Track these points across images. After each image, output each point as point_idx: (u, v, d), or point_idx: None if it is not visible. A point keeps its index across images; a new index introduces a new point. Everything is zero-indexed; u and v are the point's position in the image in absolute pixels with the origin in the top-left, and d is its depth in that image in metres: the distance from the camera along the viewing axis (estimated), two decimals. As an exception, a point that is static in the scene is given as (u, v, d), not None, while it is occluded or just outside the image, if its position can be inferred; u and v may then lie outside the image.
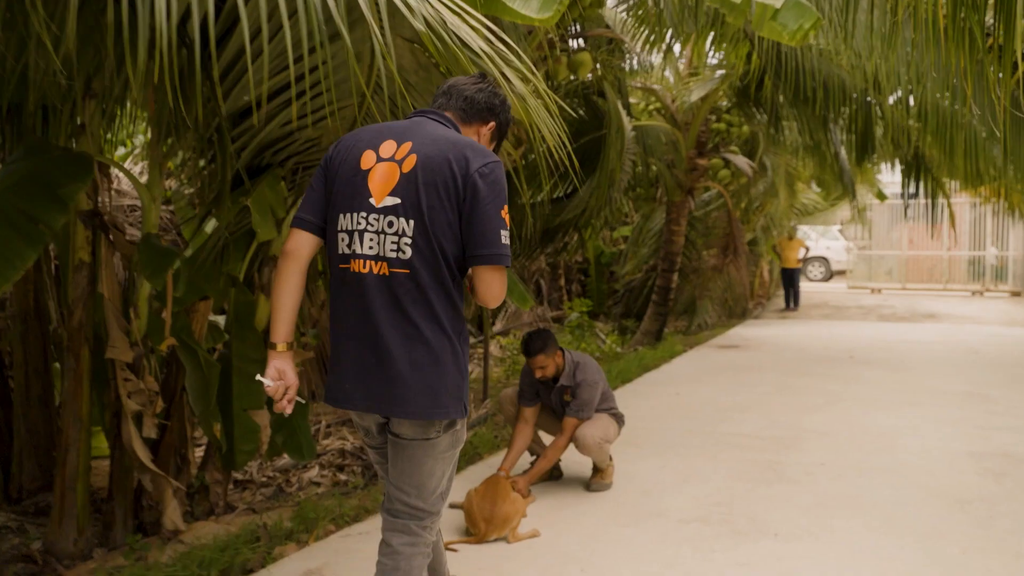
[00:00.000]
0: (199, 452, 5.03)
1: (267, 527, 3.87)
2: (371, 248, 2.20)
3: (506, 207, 2.20)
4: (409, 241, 2.17)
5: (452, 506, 3.89)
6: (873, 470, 4.91)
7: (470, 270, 2.22)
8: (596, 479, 4.57)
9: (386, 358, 2.19)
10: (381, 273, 2.19)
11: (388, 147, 2.25)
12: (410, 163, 2.20)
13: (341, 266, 2.26)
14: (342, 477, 5.52)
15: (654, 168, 11.03)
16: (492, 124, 2.44)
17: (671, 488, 4.56)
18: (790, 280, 16.92)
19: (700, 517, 4.05)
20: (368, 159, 2.25)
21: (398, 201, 2.19)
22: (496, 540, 3.72)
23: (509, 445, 4.52)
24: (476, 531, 3.74)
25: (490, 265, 2.17)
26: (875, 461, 5.11)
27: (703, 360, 10.01)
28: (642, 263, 13.60)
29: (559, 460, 4.82)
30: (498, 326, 13.45)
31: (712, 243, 13.25)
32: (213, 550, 3.51)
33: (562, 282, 16.23)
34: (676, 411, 6.82)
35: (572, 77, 7.09)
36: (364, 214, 2.21)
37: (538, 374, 4.35)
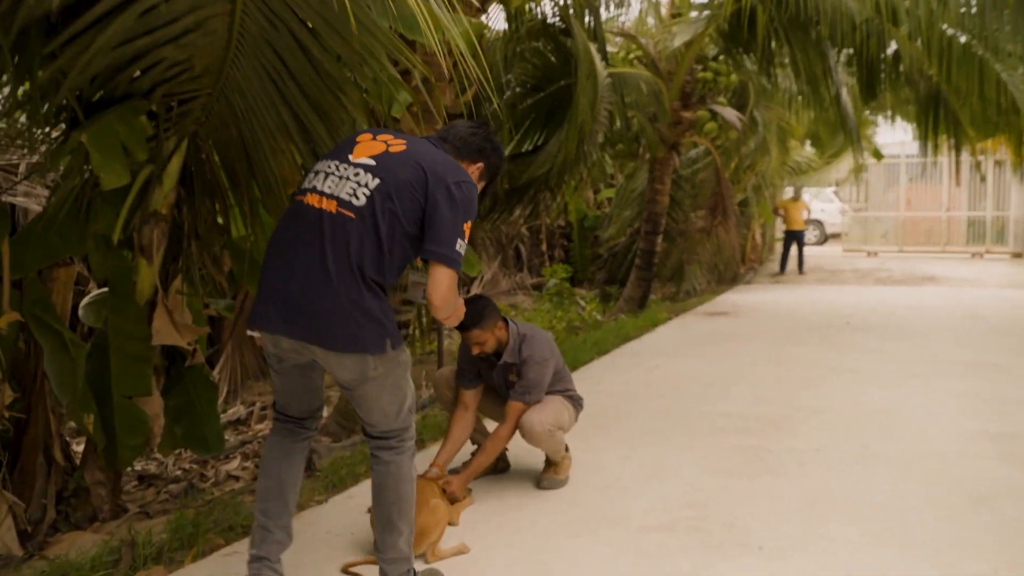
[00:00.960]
0: (83, 447, 4.26)
1: (134, 544, 3.13)
2: (329, 188, 2.48)
3: (469, 224, 2.44)
4: (367, 192, 2.43)
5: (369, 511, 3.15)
6: (875, 459, 4.20)
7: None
8: (548, 474, 3.84)
9: (307, 291, 2.38)
10: (327, 210, 2.43)
11: (385, 135, 2.61)
12: (398, 148, 2.54)
13: (298, 198, 2.55)
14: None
15: (635, 122, 10.19)
16: (480, 164, 2.72)
17: (636, 485, 3.84)
18: (794, 243, 16.10)
19: (666, 524, 3.33)
20: (364, 136, 2.62)
21: (373, 163, 2.50)
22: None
23: (445, 435, 3.79)
24: (385, 549, 3.01)
25: (438, 263, 2.38)
26: (877, 447, 4.39)
27: (688, 329, 9.28)
28: (626, 226, 12.80)
29: (505, 451, 4.09)
30: (474, 291, 12.70)
31: (700, 204, 12.44)
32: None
33: (544, 247, 15.46)
34: (653, 387, 6.09)
35: (532, 6, 6.23)
36: (338, 163, 2.53)
37: (475, 350, 3.60)
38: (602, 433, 4.76)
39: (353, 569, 2.93)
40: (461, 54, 2.78)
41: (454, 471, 3.73)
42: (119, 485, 4.06)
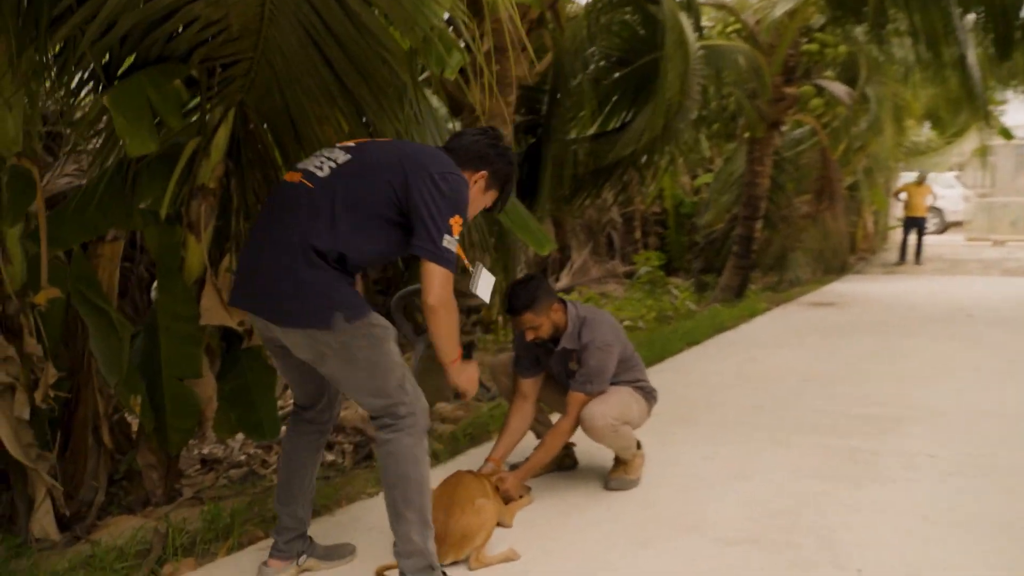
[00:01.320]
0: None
1: (166, 534, 2.95)
2: (303, 164, 2.48)
3: (459, 218, 2.31)
4: (333, 166, 2.40)
5: None
6: (1001, 470, 3.61)
7: None
8: (617, 474, 3.46)
9: (263, 265, 2.35)
10: (295, 182, 2.41)
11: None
12: (386, 140, 2.72)
13: (283, 176, 2.55)
14: (329, 457, 4.60)
15: (733, 99, 9.57)
16: (485, 172, 2.54)
17: (718, 488, 3.41)
18: (915, 230, 14.86)
19: (750, 535, 2.90)
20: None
21: (352, 145, 2.51)
22: (453, 564, 2.69)
23: (502, 427, 3.46)
24: (425, 552, 2.72)
25: (424, 260, 2.28)
26: (1004, 456, 3.79)
27: (789, 319, 8.64)
28: (724, 212, 12.13)
29: (572, 446, 3.73)
30: (563, 281, 12.34)
31: (804, 188, 11.68)
32: (63, 570, 2.61)
33: (637, 235, 14.91)
34: (746, 380, 5.58)
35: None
36: (327, 150, 2.52)
37: (529, 336, 3.26)
38: (684, 428, 4.33)
39: (387, 574, 2.64)
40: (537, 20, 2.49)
41: (515, 467, 3.40)
42: (175, 469, 3.93)
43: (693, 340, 7.20)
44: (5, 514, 3.48)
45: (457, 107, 5.13)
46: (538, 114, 7.11)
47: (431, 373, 5.23)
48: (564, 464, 3.73)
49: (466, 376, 2.58)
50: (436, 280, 2.28)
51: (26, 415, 3.20)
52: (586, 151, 7.32)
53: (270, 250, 2.33)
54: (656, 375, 5.87)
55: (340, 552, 2.79)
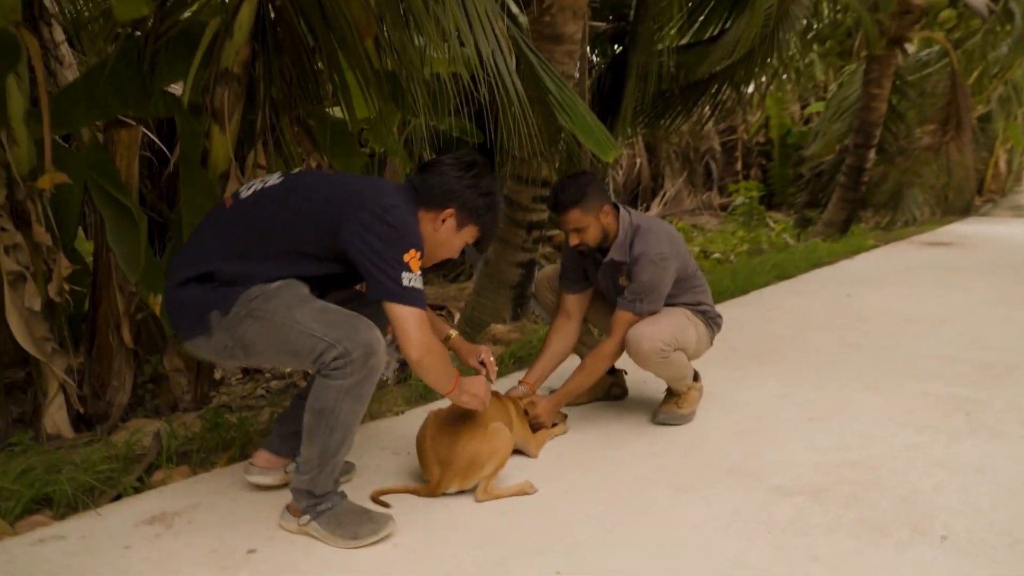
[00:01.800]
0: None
1: (162, 438, 2.75)
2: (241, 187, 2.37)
3: (415, 253, 2.06)
4: (260, 187, 2.21)
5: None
6: None
7: None
8: (668, 407, 3.04)
9: (169, 281, 2.20)
10: (224, 200, 2.31)
11: None
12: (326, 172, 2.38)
13: None
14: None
15: (850, 11, 8.59)
16: (450, 210, 2.23)
17: (786, 431, 2.95)
18: None
19: (814, 486, 2.45)
20: None
21: (293, 171, 2.32)
22: (459, 494, 2.37)
23: (541, 348, 3.09)
24: (428, 478, 2.40)
25: (389, 303, 2.04)
26: None
27: (898, 257, 7.84)
28: (834, 142, 11.14)
29: (622, 373, 3.34)
30: (654, 211, 11.73)
31: (928, 116, 10.54)
32: (48, 469, 2.43)
33: (739, 166, 14.06)
34: (837, 318, 5.00)
35: None
36: (268, 174, 2.33)
37: (573, 240, 2.84)
38: (759, 365, 3.85)
39: (384, 498, 2.34)
40: None
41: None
42: (206, 375, 3.76)
43: (784, 274, 6.59)
44: (30, 409, 3.39)
45: (526, -1, 4.63)
46: (625, 20, 6.50)
47: (487, 293, 4.88)
48: (612, 393, 3.34)
49: (468, 396, 2.30)
50: (411, 325, 2.03)
51: (37, 306, 3.05)
52: (676, 63, 6.66)
53: (176, 267, 2.18)
54: (736, 307, 5.39)
55: None
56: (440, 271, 7.74)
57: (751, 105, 14.56)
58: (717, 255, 8.37)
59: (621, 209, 2.89)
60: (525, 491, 2.39)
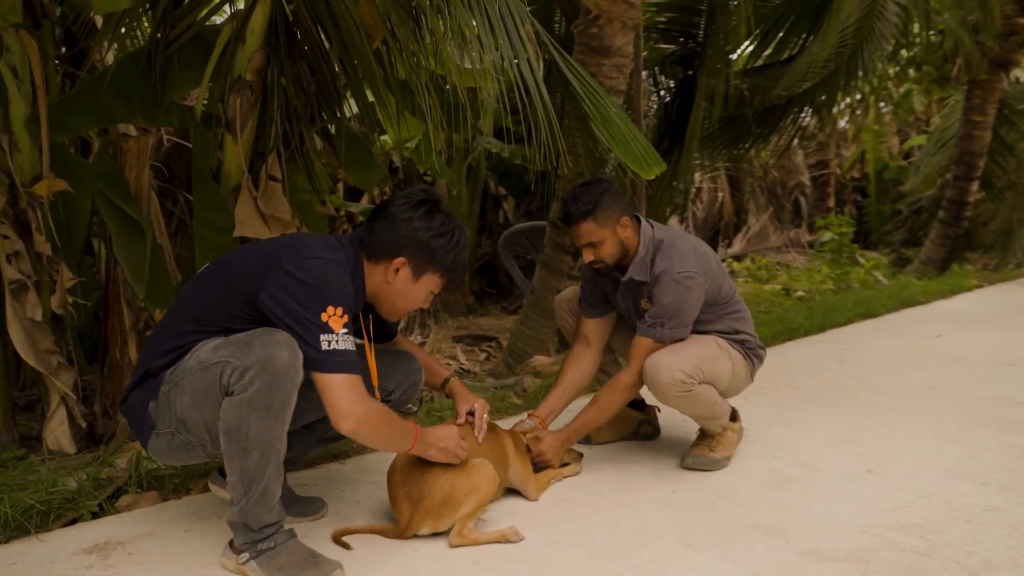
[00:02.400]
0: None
1: (137, 461, 2.56)
2: None
3: (335, 309, 1.84)
4: (192, 281, 2.04)
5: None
6: None
7: None
8: (698, 450, 2.66)
9: None
10: None
11: None
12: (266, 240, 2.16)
13: None
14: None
15: (948, 34, 7.98)
16: (401, 259, 2.01)
17: (836, 482, 2.52)
18: None
19: (859, 550, 2.03)
20: None
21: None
22: (433, 536, 2.07)
23: (556, 378, 2.78)
24: (397, 517, 2.11)
25: (313, 373, 1.82)
26: None
27: (1001, 298, 7.11)
28: (935, 176, 10.37)
29: (655, 410, 2.98)
30: (736, 246, 11.20)
31: (1041, 148, 9.67)
32: (12, 488, 2.28)
33: (831, 202, 13.33)
34: (921, 358, 4.46)
35: None
36: None
37: (587, 256, 2.53)
38: (818, 406, 3.41)
39: (348, 539, 2.07)
40: None
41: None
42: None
43: (868, 312, 6.03)
44: (38, 426, 3.30)
45: (574, 9, 4.39)
46: (694, 41, 6.18)
47: (531, 323, 4.58)
48: (641, 432, 2.98)
49: (436, 450, 2.06)
50: (336, 395, 1.82)
51: (38, 316, 2.95)
52: (748, 86, 6.29)
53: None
54: (807, 345, 4.91)
55: (304, 507, 2.26)
56: (500, 302, 7.50)
57: (846, 139, 13.88)
58: (800, 293, 7.82)
59: (643, 221, 2.56)
60: (507, 538, 2.07)
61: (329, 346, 1.81)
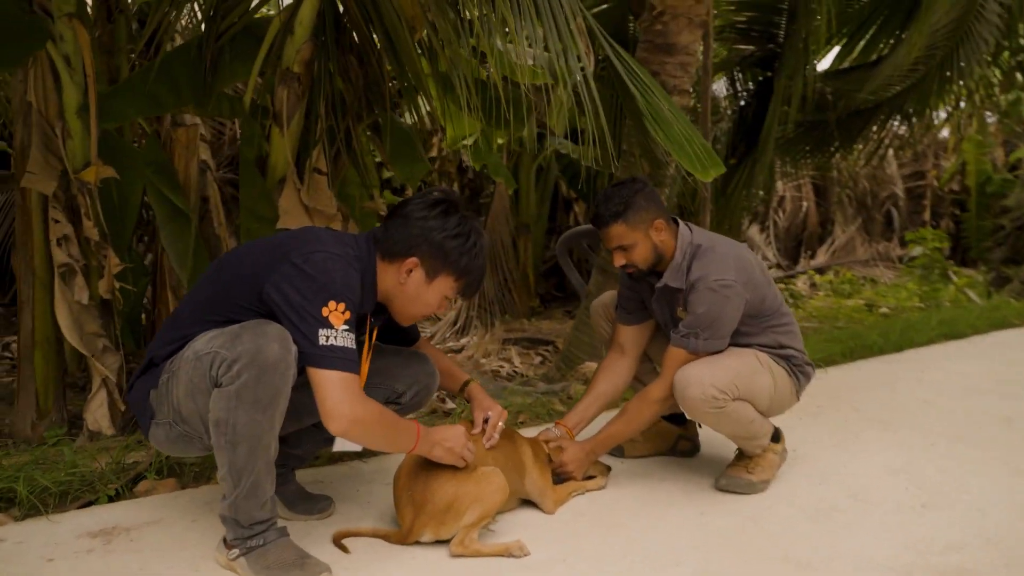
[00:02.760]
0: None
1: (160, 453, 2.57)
2: None
3: (338, 305, 1.79)
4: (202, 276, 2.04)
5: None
6: None
7: None
8: (735, 471, 2.49)
9: None
10: None
11: None
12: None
13: None
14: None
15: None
16: (414, 259, 1.95)
17: (884, 516, 2.31)
18: None
19: (893, 594, 1.84)
20: None
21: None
22: (436, 544, 1.99)
23: (589, 384, 2.66)
24: (400, 522, 2.04)
25: (309, 368, 1.78)
26: None
27: (1110, 324, 6.54)
28: (1045, 188, 9.69)
29: (694, 425, 2.82)
30: (820, 258, 10.74)
31: None
32: (23, 463, 2.32)
33: (926, 215, 12.63)
34: (1004, 386, 4.11)
35: None
36: None
37: (619, 260, 2.41)
38: (880, 431, 3.17)
39: (348, 541, 2.01)
40: None
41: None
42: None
43: (954, 333, 5.63)
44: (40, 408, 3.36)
45: (640, 4, 4.24)
46: (774, 41, 5.92)
47: (586, 328, 4.46)
48: (678, 448, 2.82)
49: (442, 450, 1.98)
50: (328, 394, 1.76)
51: (85, 299, 3.01)
52: (831, 90, 5.98)
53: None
54: (879, 365, 4.61)
55: (311, 505, 2.21)
56: (565, 306, 7.37)
57: (945, 149, 13.14)
58: (885, 309, 7.41)
59: (681, 225, 2.42)
60: (511, 552, 1.96)
61: (327, 341, 1.76)
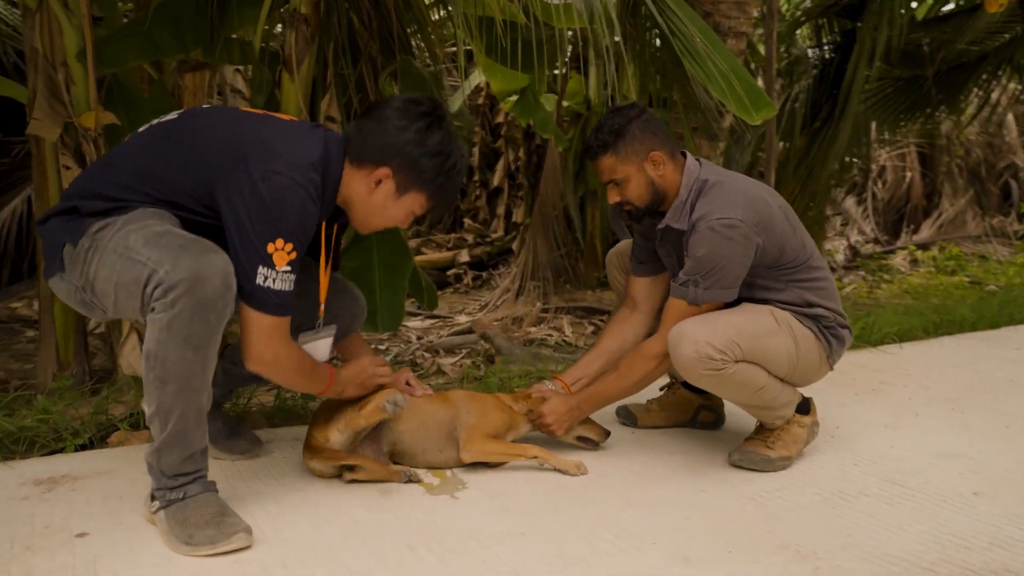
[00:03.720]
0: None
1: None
2: None
3: (285, 244, 1.66)
4: (155, 122, 1.87)
5: None
6: None
7: None
8: (751, 444, 2.18)
9: None
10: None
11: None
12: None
13: None
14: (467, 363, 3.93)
15: None
16: (386, 169, 1.80)
17: (921, 503, 1.96)
18: None
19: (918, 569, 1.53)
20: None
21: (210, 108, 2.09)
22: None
23: (597, 340, 2.41)
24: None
25: (242, 301, 1.68)
26: None
27: None
28: None
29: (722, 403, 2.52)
30: (924, 232, 9.92)
31: None
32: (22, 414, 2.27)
33: (1051, 188, 11.47)
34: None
35: None
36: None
37: (612, 198, 2.14)
38: (944, 411, 2.78)
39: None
40: None
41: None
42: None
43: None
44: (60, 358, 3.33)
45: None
46: (862, -12, 5.38)
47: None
48: (699, 420, 2.53)
49: (353, 386, 1.96)
50: (254, 331, 1.70)
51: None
52: (926, 42, 5.39)
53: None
54: (967, 341, 4.11)
55: (233, 443, 2.13)
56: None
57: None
58: (993, 287, 6.73)
59: (689, 159, 2.12)
60: (406, 478, 1.94)
61: (264, 282, 1.67)
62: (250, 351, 1.71)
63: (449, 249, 6.99)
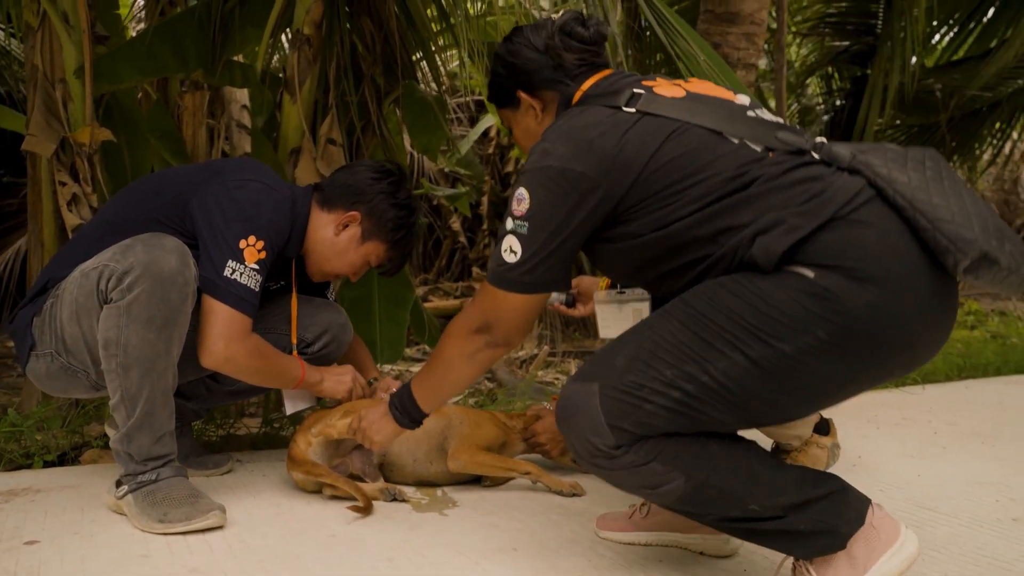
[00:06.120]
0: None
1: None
2: None
3: (256, 241, 1.68)
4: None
5: None
6: None
7: None
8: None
9: None
10: None
11: None
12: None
13: None
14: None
15: None
16: (355, 213, 1.88)
17: (957, 527, 1.79)
18: None
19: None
20: None
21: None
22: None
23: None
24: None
25: (208, 294, 1.66)
26: None
27: None
28: None
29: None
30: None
31: None
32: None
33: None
34: None
35: None
36: None
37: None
38: (975, 443, 2.61)
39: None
40: None
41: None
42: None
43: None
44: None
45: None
46: (872, 34, 5.38)
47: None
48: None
49: (331, 382, 1.91)
50: (214, 324, 1.66)
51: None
52: (939, 86, 5.34)
53: None
54: (993, 385, 3.90)
55: (204, 459, 2.03)
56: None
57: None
58: (1015, 340, 6.53)
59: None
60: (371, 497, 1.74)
61: (231, 275, 1.67)
62: (207, 345, 1.65)
63: (457, 297, 6.90)
